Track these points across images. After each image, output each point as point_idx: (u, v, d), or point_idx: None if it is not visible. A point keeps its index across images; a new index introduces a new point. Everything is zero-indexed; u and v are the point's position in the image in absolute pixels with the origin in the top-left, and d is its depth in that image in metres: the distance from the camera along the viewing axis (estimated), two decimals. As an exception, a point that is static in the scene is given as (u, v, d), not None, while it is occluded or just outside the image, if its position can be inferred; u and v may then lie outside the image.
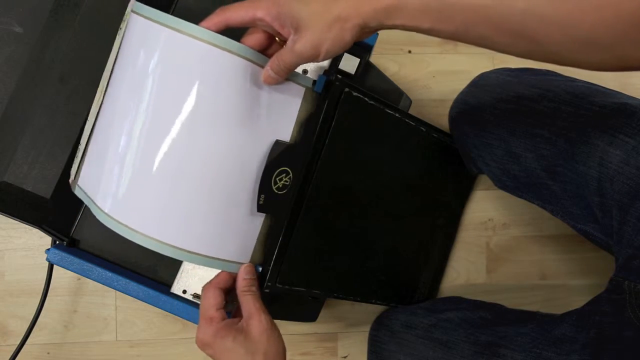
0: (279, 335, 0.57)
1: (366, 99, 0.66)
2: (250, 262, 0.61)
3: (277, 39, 0.57)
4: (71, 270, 0.67)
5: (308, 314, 0.78)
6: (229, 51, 0.54)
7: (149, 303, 0.68)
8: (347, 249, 0.71)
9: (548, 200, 0.70)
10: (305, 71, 0.67)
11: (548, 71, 0.74)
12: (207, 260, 0.57)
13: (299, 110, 0.60)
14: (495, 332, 0.71)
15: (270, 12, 0.52)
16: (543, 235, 0.95)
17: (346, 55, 0.67)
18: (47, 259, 0.68)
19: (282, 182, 0.60)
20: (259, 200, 0.58)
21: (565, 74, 0.72)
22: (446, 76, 0.95)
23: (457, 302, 0.82)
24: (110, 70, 0.59)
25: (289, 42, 0.53)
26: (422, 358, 0.74)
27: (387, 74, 0.77)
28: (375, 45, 0.70)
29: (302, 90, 0.60)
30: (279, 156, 0.58)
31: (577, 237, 0.79)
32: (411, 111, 0.77)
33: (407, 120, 0.73)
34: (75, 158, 0.62)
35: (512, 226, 0.95)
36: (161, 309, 0.67)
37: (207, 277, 0.68)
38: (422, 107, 0.94)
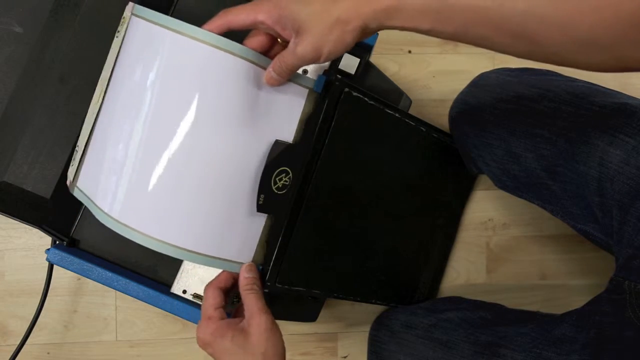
0: (280, 336, 0.57)
1: (366, 99, 0.66)
2: (252, 262, 0.61)
3: (279, 40, 0.57)
4: (71, 270, 0.67)
5: (308, 314, 0.78)
6: (232, 53, 0.54)
7: (149, 303, 0.68)
8: (347, 249, 0.71)
9: (548, 200, 0.70)
10: (305, 71, 0.67)
11: (548, 71, 0.74)
12: (208, 259, 0.57)
13: (302, 112, 0.61)
14: (495, 332, 0.71)
15: (272, 15, 0.52)
16: (543, 235, 0.95)
17: (346, 55, 0.67)
18: (47, 259, 0.68)
19: (281, 182, 0.60)
20: (258, 200, 0.58)
21: (565, 74, 0.72)
22: (446, 76, 0.95)
23: (457, 302, 0.82)
24: (109, 72, 0.59)
25: (290, 45, 0.53)
26: (422, 358, 0.74)
27: (387, 74, 0.77)
28: (375, 45, 0.70)
29: (305, 91, 0.60)
30: (279, 156, 0.59)
31: (577, 237, 0.79)
32: (411, 111, 0.77)
33: (407, 120, 0.73)
34: (72, 160, 0.62)
35: (512, 226, 0.95)
36: (161, 309, 0.67)
37: (207, 277, 0.69)
38: (422, 107, 0.94)
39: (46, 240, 0.88)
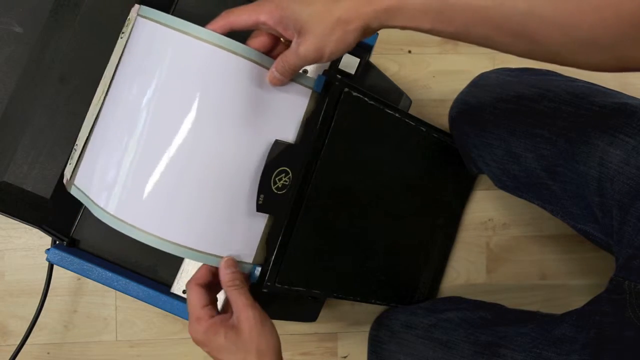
0: (271, 329, 0.55)
1: (366, 98, 0.66)
2: (253, 262, 0.60)
3: (281, 39, 0.57)
4: (71, 270, 0.67)
5: (308, 314, 0.78)
6: (235, 53, 0.55)
7: (149, 303, 0.68)
8: (347, 249, 0.71)
9: (548, 200, 0.70)
10: (305, 71, 0.67)
11: (548, 71, 0.74)
12: (207, 257, 0.57)
13: (306, 111, 0.61)
14: (495, 332, 0.71)
15: (274, 16, 0.52)
16: (543, 235, 0.95)
17: (346, 55, 0.67)
18: (47, 259, 0.68)
19: (281, 182, 0.60)
20: (258, 200, 0.58)
21: (566, 74, 0.72)
22: (446, 76, 0.95)
23: (457, 302, 0.82)
24: (112, 71, 0.59)
25: (293, 45, 0.53)
26: (422, 358, 0.74)
27: (387, 74, 0.77)
28: (375, 45, 0.70)
29: (309, 91, 0.60)
30: (279, 156, 0.59)
31: (577, 237, 0.79)
32: (411, 111, 0.77)
33: (407, 120, 0.73)
34: (70, 159, 0.62)
35: (512, 226, 0.95)
36: (161, 309, 0.67)
37: (207, 277, 0.69)
38: (422, 107, 0.94)
39: (46, 240, 0.88)
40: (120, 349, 0.89)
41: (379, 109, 0.68)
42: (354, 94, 0.64)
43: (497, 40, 0.49)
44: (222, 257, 0.58)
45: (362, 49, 0.69)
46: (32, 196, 0.67)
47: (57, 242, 0.69)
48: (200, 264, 0.59)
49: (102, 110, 0.59)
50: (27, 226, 0.68)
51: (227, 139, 0.56)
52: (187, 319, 0.67)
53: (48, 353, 0.88)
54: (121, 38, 0.60)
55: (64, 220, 0.70)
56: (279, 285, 0.63)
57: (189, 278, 0.69)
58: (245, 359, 0.54)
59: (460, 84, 0.79)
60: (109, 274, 0.67)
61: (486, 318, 0.75)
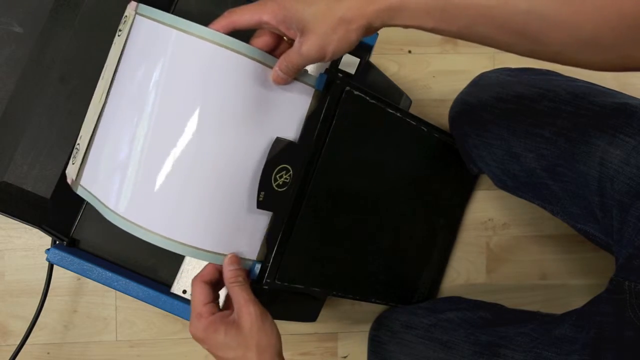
0: (271, 325, 0.56)
1: (367, 98, 0.66)
2: (256, 259, 0.61)
3: (284, 38, 0.57)
4: (71, 270, 0.67)
5: (308, 314, 0.78)
6: (238, 52, 0.55)
7: (149, 303, 0.68)
8: (347, 248, 0.71)
9: (548, 200, 0.70)
10: (305, 70, 0.67)
11: (548, 71, 0.74)
12: (213, 256, 0.57)
13: (309, 110, 0.61)
14: (496, 332, 0.71)
15: (276, 15, 0.52)
16: (543, 235, 0.95)
17: (346, 55, 0.67)
18: (47, 259, 0.67)
19: (282, 179, 0.60)
20: (258, 197, 0.58)
21: (566, 74, 0.72)
22: (446, 76, 0.95)
23: (457, 302, 0.82)
24: (112, 71, 0.59)
25: (295, 44, 0.53)
26: (422, 358, 0.74)
27: (387, 74, 0.77)
28: (375, 45, 0.70)
29: (312, 90, 0.61)
30: (279, 153, 0.59)
31: (577, 237, 0.79)
32: (411, 111, 0.78)
33: (408, 119, 0.73)
34: (73, 158, 0.62)
35: (512, 226, 0.95)
36: (161, 309, 0.67)
37: (207, 277, 0.68)
38: (422, 107, 0.94)
39: (46, 240, 0.88)
40: (120, 349, 0.89)
41: (380, 108, 0.68)
42: (356, 92, 0.64)
43: (500, 39, 0.49)
44: (226, 255, 0.58)
45: (362, 48, 0.69)
46: (32, 196, 0.67)
47: (57, 242, 0.69)
48: (200, 263, 0.59)
49: (104, 110, 0.59)
50: (27, 226, 0.68)
51: (231, 138, 0.56)
52: (187, 319, 0.67)
53: (48, 353, 0.88)
54: (118, 36, 0.60)
55: (64, 220, 0.70)
56: (279, 282, 0.63)
57: (188, 278, 0.69)
58: (245, 355, 0.54)
59: (460, 84, 0.79)
60: (109, 274, 0.67)
61: (486, 318, 0.75)
